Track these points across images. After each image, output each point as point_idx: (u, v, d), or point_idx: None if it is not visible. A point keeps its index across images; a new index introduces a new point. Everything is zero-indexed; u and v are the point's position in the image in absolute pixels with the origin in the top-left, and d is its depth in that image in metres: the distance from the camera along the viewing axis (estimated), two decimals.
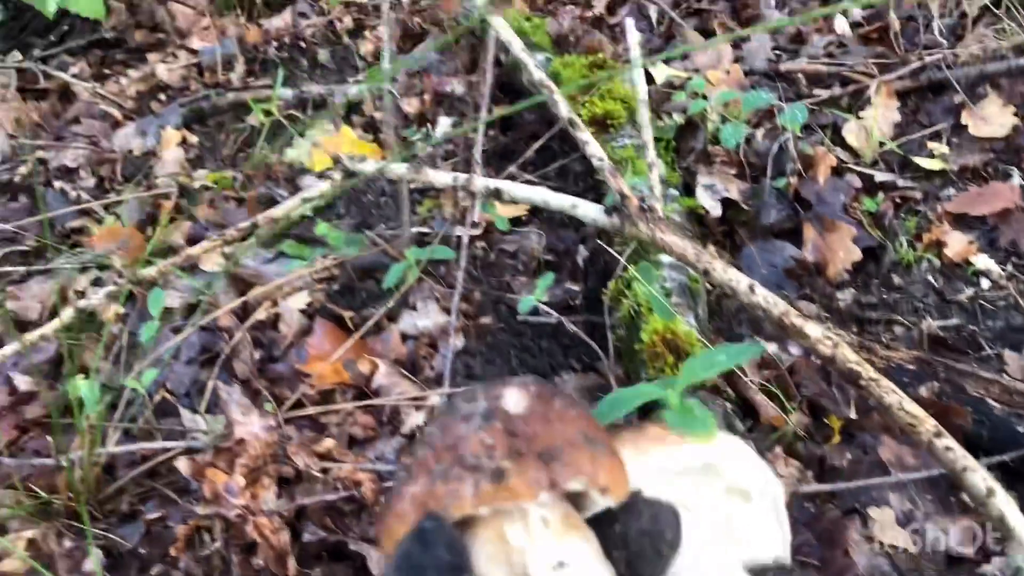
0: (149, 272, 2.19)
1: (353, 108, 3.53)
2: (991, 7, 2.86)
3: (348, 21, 3.89)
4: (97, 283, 2.71)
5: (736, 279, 1.76)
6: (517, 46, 1.98)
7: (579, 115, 2.61)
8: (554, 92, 1.96)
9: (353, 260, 2.50)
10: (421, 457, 0.74)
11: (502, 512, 0.70)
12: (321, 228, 2.41)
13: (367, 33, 3.83)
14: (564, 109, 1.91)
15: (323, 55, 3.79)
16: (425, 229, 2.68)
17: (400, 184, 2.39)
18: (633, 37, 1.97)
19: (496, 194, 2.01)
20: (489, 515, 0.70)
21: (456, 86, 3.40)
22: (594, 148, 1.90)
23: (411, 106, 3.41)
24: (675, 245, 1.58)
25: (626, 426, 0.83)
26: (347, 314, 2.41)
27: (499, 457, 0.69)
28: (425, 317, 2.36)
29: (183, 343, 2.37)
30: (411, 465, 0.75)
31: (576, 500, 0.75)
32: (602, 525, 0.76)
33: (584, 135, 1.92)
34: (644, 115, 1.95)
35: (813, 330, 1.75)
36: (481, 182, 2.01)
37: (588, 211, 1.91)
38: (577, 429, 0.73)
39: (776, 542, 0.83)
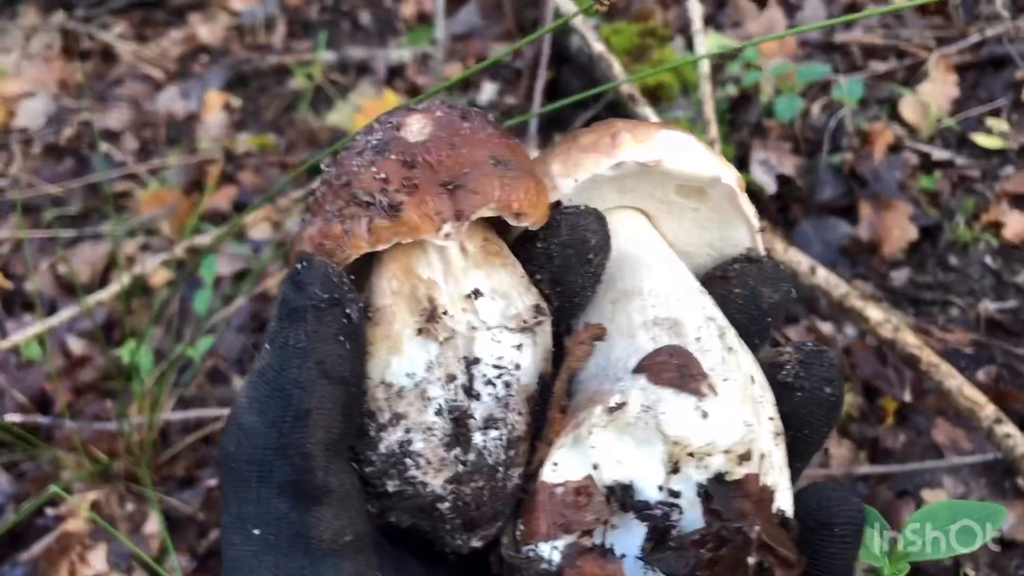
0: (202, 240, 2.20)
1: (395, 72, 3.51)
2: None
3: None
4: (146, 248, 2.73)
5: (798, 259, 1.75)
6: (577, 19, 1.94)
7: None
8: (613, 66, 1.93)
9: None
10: (319, 196, 0.71)
11: (408, 247, 0.69)
12: None
13: None
14: (626, 86, 1.88)
15: (365, 18, 3.75)
16: None
17: None
18: (696, 8, 1.93)
19: None
20: (395, 250, 0.69)
21: (500, 49, 3.36)
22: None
23: (454, 71, 3.38)
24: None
25: (557, 142, 0.80)
26: None
27: (392, 191, 0.67)
28: None
29: (234, 311, 2.39)
30: (311, 205, 0.72)
31: (499, 225, 0.73)
32: (525, 246, 0.75)
33: (645, 111, 1.90)
34: (706, 89, 1.92)
35: (874, 313, 1.74)
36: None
37: None
38: (487, 152, 0.70)
39: (742, 234, 0.82)
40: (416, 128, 0.70)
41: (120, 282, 2.09)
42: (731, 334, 0.73)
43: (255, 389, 0.62)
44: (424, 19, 3.69)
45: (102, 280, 2.64)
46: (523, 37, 3.35)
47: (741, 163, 2.43)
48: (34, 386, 2.27)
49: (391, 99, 3.33)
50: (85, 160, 3.24)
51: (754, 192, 2.36)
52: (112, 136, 3.36)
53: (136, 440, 1.98)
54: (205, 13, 3.91)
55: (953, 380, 1.70)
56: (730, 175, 0.77)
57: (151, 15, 4.00)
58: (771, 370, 0.72)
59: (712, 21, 3.11)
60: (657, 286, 0.74)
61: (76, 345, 2.37)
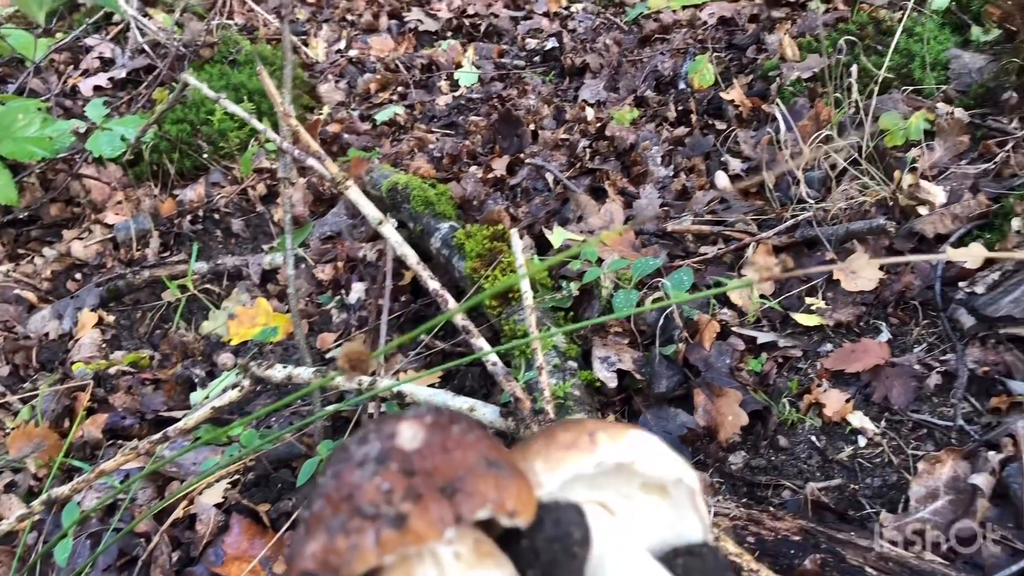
0: (62, 491, 2.22)
1: (269, 276, 3.63)
2: (857, 159, 3.11)
3: (261, 188, 4.03)
4: (11, 487, 2.71)
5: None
6: (412, 260, 2.11)
7: (483, 288, 2.76)
8: (448, 303, 2.09)
9: (267, 452, 2.56)
10: (317, 511, 0.69)
11: (409, 556, 0.68)
12: (234, 429, 2.47)
13: (280, 200, 3.96)
14: (459, 319, 2.03)
15: (237, 225, 3.90)
16: (344, 406, 2.76)
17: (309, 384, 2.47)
18: (517, 244, 2.12)
19: (399, 396, 2.12)
20: (396, 561, 0.68)
21: (368, 252, 3.53)
22: (490, 355, 2.03)
23: (324, 273, 3.52)
24: None
25: (534, 438, 0.82)
26: (263, 508, 2.45)
27: (398, 501, 0.66)
28: None
29: (101, 550, 2.38)
30: (308, 520, 0.70)
31: (487, 525, 0.73)
32: (511, 543, 0.76)
33: (478, 342, 2.05)
34: (531, 322, 2.08)
35: None
36: (384, 384, 2.12)
37: (485, 413, 2.02)
38: (478, 455, 0.72)
39: (695, 530, 0.84)
40: (409, 435, 0.70)
41: None
42: None
43: None
44: (296, 222, 3.85)
45: None
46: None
47: (586, 358, 2.59)
48: None
49: (264, 305, 3.44)
50: None
51: (599, 388, 2.51)
52: None
53: None
54: (79, 228, 3.99)
55: None
56: (691, 476, 0.82)
57: (24, 232, 4.06)
58: None
59: (557, 215, 3.35)
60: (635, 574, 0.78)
61: None
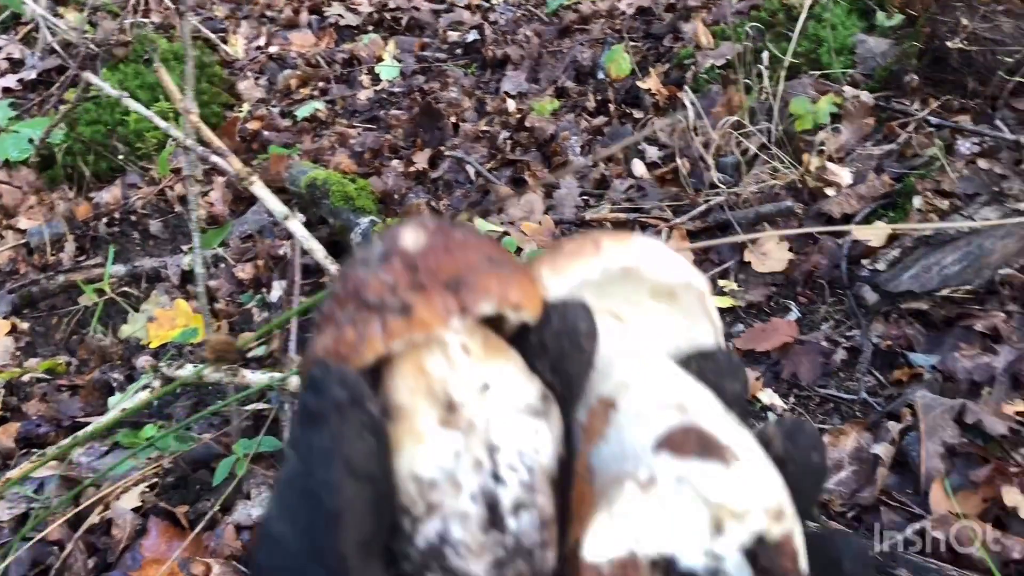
0: None
1: (188, 277, 3.58)
2: (766, 145, 3.18)
3: (179, 188, 3.96)
4: None
5: None
6: (320, 255, 2.10)
7: None
8: None
9: (184, 453, 2.53)
10: (327, 311, 0.73)
11: (418, 346, 0.70)
12: (148, 430, 2.44)
13: (187, 199, 3.89)
14: None
15: (155, 226, 3.83)
16: (263, 405, 2.73)
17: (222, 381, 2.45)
18: None
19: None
20: (405, 351, 0.70)
21: (289, 249, 3.50)
22: None
23: (245, 272, 3.48)
24: None
25: (541, 253, 0.81)
26: (181, 510, 2.42)
27: (403, 292, 0.69)
28: (260, 506, 2.40)
29: (12, 561, 2.33)
30: (319, 322, 0.74)
31: (496, 324, 0.75)
32: (521, 341, 0.76)
33: None
34: None
35: None
36: (296, 382, 2.11)
37: None
38: (480, 254, 0.72)
39: (707, 336, 0.84)
40: (412, 239, 0.71)
41: None
42: (730, 412, 0.75)
43: (283, 497, 0.60)
44: (215, 221, 3.79)
45: None
46: (313, 231, 3.50)
47: None
48: None
49: (183, 306, 3.39)
50: None
51: None
52: None
53: None
54: None
55: None
56: (700, 280, 0.80)
57: None
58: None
59: (477, 206, 3.37)
60: (654, 374, 0.77)
61: None
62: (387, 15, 5.07)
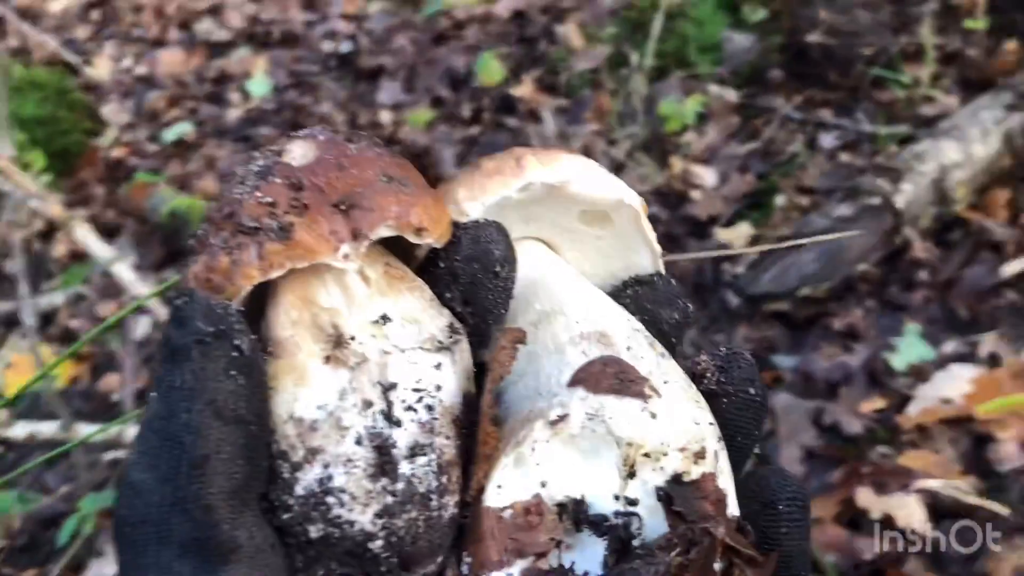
0: None
1: (48, 319, 3.40)
2: (633, 149, 3.15)
3: (38, 224, 3.76)
4: None
5: None
6: (154, 301, 1.98)
7: None
8: None
9: (31, 513, 2.38)
10: (201, 235, 0.66)
11: (303, 274, 0.64)
12: None
13: (60, 235, 3.71)
14: None
15: (13, 266, 3.63)
16: (112, 455, 2.59)
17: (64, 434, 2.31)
18: None
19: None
20: (289, 279, 0.64)
21: (153, 285, 3.35)
22: None
23: (108, 310, 3.32)
24: None
25: (460, 172, 0.76)
26: (30, 574, 2.29)
27: (282, 214, 0.62)
28: (112, 563, 2.27)
29: None
30: (194, 245, 0.66)
31: (404, 249, 0.69)
32: (428, 269, 0.71)
33: None
34: None
35: None
36: (96, 430, 1.99)
37: None
38: (378, 170, 0.66)
39: (645, 259, 0.80)
40: (299, 153, 0.66)
41: None
42: (659, 344, 0.70)
43: (144, 442, 0.56)
44: (78, 257, 3.61)
45: None
46: (175, 266, 3.36)
47: None
48: None
49: (43, 350, 3.21)
50: None
51: None
52: None
53: None
54: None
55: None
56: (633, 197, 0.75)
57: None
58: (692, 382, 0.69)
59: None
60: (577, 303, 0.72)
61: None
62: (259, 28, 4.91)
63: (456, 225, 0.69)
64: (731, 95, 3.25)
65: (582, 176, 0.73)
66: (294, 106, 4.18)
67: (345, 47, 4.59)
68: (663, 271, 0.80)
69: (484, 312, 0.69)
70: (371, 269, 0.66)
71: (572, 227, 0.78)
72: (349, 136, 0.69)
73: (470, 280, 0.69)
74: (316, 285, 0.64)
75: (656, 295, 0.77)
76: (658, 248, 0.79)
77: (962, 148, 2.65)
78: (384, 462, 0.61)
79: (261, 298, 0.66)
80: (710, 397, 0.69)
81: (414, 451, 0.62)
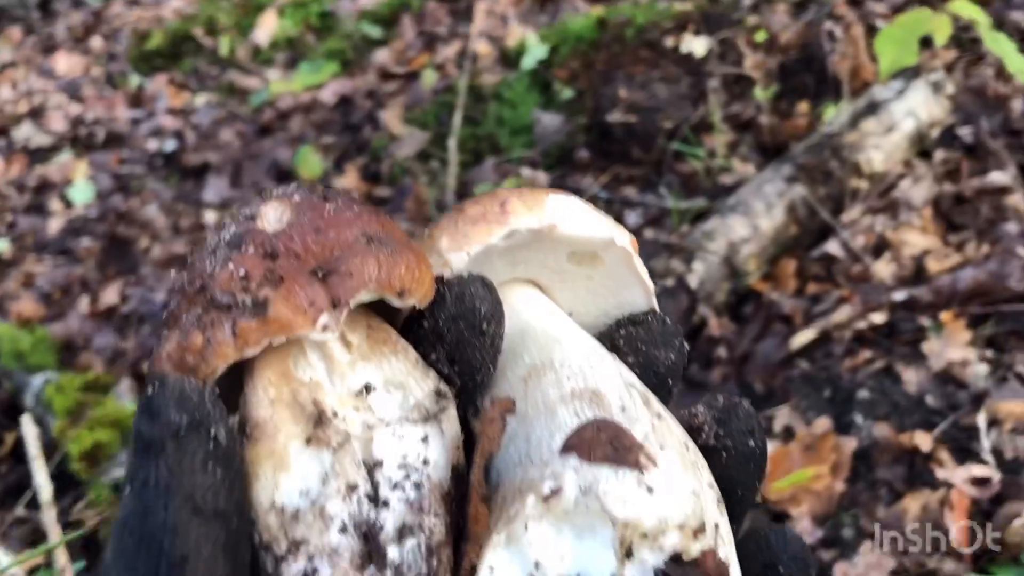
0: None
1: None
2: None
3: None
4: None
5: None
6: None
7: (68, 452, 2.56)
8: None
9: None
10: (173, 308, 0.62)
11: (284, 348, 0.60)
12: None
13: None
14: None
15: None
16: None
17: None
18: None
19: None
20: (269, 354, 0.60)
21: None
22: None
23: None
24: None
25: (443, 216, 0.72)
26: None
27: (255, 288, 0.59)
28: None
29: None
30: (165, 320, 0.62)
31: (385, 308, 0.65)
32: (412, 328, 0.67)
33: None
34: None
35: None
36: None
37: None
38: (357, 231, 0.63)
39: (638, 298, 0.77)
40: (273, 217, 0.62)
41: None
42: (654, 400, 0.66)
43: (119, 542, 0.52)
44: None
45: None
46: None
47: None
48: None
49: None
50: None
51: None
52: None
53: None
54: None
55: None
56: (624, 237, 0.73)
57: None
58: (689, 436, 0.65)
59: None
60: (568, 357, 0.68)
61: None
62: (83, 130, 4.79)
63: (440, 281, 0.67)
64: (541, 177, 3.34)
65: (569, 218, 0.71)
66: (118, 213, 4.07)
67: (169, 145, 4.51)
68: (657, 308, 0.79)
69: (472, 371, 0.67)
70: (352, 334, 0.64)
71: (561, 268, 0.77)
72: (325, 195, 0.67)
73: (456, 340, 0.66)
74: (295, 357, 0.62)
75: (650, 336, 0.74)
76: (651, 285, 0.77)
77: (749, 222, 2.78)
78: (371, 550, 0.58)
79: (238, 368, 0.63)
80: (708, 452, 0.67)
81: (402, 533, 0.59)
